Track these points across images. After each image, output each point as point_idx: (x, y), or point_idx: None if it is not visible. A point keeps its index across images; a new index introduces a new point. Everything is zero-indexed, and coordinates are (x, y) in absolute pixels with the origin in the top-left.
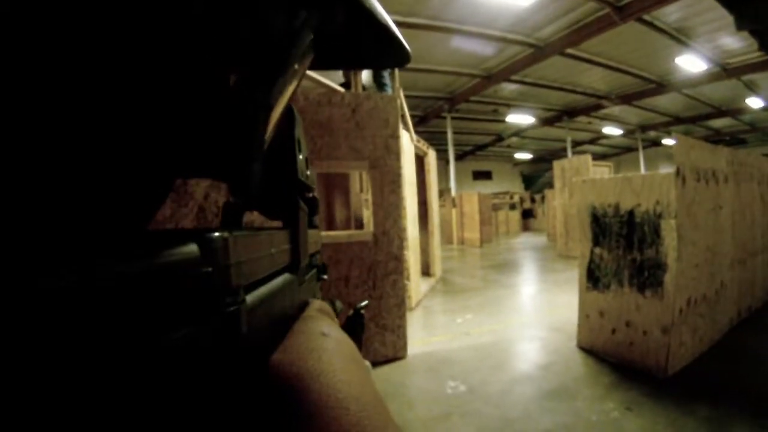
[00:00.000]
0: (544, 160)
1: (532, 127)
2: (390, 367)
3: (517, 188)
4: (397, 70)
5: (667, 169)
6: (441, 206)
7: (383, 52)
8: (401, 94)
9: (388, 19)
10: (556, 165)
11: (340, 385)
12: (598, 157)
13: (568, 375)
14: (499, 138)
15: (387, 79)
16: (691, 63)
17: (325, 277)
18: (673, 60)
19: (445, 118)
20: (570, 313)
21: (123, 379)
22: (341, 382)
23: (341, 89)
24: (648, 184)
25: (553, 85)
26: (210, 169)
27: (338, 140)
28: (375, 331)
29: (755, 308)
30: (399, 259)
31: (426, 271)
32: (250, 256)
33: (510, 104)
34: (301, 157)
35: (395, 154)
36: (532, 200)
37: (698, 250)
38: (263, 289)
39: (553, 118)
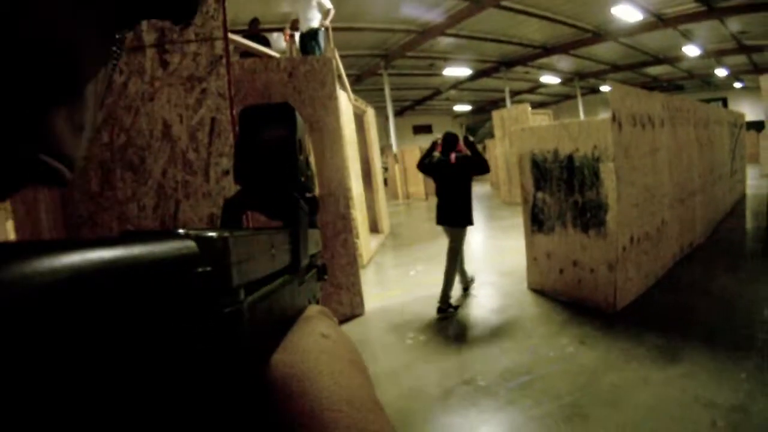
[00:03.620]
0: (484, 110)
1: (469, 78)
2: (350, 324)
3: None
4: (330, 31)
5: (605, 115)
6: (384, 163)
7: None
8: (336, 54)
9: None
10: (496, 115)
11: (336, 388)
12: (537, 105)
13: (521, 316)
14: (438, 92)
15: (314, 43)
16: (627, 13)
17: (326, 277)
18: (609, 10)
19: (381, 75)
20: (518, 257)
21: (123, 377)
22: (338, 384)
23: (277, 55)
24: (585, 129)
25: (488, 37)
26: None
27: None
28: (330, 291)
29: (697, 244)
30: (346, 218)
31: (374, 228)
32: (250, 256)
33: (446, 58)
34: (301, 157)
35: (334, 114)
36: None
37: (637, 191)
38: (263, 290)
39: (490, 69)
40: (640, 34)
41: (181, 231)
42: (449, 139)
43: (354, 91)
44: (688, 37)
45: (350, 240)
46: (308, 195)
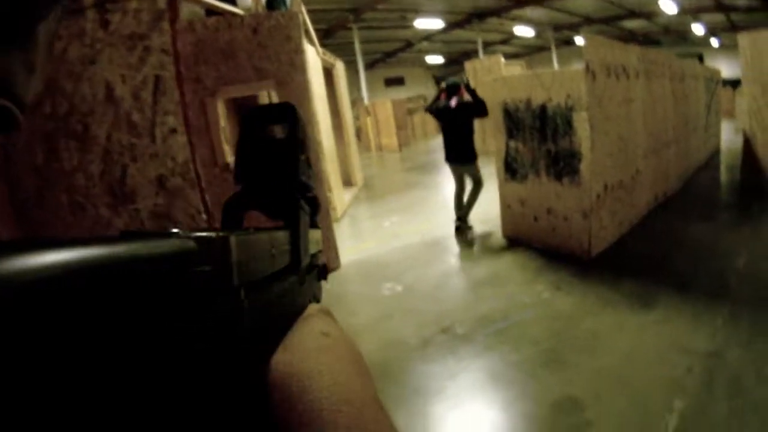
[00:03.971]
0: (456, 62)
1: (441, 30)
2: None
3: (430, 91)
4: None
5: (579, 67)
6: (355, 117)
7: None
8: (303, 8)
9: None
10: (468, 66)
11: (336, 387)
12: (510, 56)
13: (497, 263)
14: (409, 44)
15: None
16: None
17: (326, 277)
18: None
19: (351, 29)
20: (493, 206)
21: (122, 377)
22: (338, 384)
23: (241, 12)
24: (558, 79)
25: None
26: None
27: (242, 63)
28: None
29: (670, 194)
30: (317, 172)
31: (348, 181)
32: (250, 256)
33: (418, 10)
34: (302, 157)
35: (301, 69)
36: None
37: (611, 140)
38: (263, 290)
39: (462, 21)
40: None
41: (180, 231)
42: (451, 86)
43: (323, 46)
44: None
45: (322, 194)
46: (309, 195)
